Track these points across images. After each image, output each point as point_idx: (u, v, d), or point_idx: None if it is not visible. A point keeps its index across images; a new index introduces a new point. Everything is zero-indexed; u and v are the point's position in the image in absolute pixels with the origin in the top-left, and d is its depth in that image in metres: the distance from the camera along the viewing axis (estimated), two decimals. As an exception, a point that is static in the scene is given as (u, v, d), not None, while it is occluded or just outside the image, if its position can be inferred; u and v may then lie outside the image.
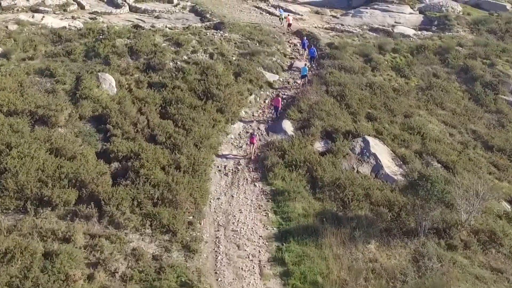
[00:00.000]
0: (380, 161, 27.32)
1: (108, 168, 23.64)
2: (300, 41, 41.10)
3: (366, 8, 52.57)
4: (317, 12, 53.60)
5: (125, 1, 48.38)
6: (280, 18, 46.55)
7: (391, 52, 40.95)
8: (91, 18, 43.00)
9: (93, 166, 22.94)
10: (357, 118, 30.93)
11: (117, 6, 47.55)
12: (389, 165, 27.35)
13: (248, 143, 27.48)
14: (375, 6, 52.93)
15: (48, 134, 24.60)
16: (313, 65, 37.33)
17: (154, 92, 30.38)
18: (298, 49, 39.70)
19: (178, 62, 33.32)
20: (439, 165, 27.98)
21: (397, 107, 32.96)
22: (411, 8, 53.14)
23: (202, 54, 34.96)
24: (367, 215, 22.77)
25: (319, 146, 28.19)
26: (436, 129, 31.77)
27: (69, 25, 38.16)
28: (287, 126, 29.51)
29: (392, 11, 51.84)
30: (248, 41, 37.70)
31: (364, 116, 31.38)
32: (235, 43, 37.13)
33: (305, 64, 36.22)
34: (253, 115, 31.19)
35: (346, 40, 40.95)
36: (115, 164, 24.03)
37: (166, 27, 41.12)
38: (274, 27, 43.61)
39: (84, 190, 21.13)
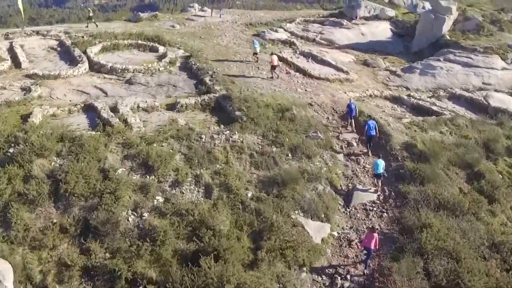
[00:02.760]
0: None
1: None
2: (356, 135, 25.69)
3: (439, 61, 37.14)
4: (366, 63, 38.45)
5: (85, 52, 33.08)
6: (254, 53, 34.23)
7: (504, 156, 25.62)
8: (23, 89, 28.24)
9: None
10: None
11: (73, 61, 32.58)
12: None
13: None
14: (451, 57, 37.51)
15: None
16: (370, 148, 24.47)
17: (90, 298, 15.19)
18: (356, 156, 24.19)
19: (145, 214, 18.16)
20: None
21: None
22: (503, 59, 37.55)
23: (192, 187, 19.86)
24: None
25: None
26: None
27: (-30, 116, 22.92)
28: None
29: (478, 66, 36.57)
30: (274, 149, 22.34)
31: None
32: (251, 155, 21.96)
33: (379, 156, 23.17)
34: None
35: (433, 137, 25.60)
36: None
37: (137, 107, 26.40)
38: (311, 104, 28.15)
39: None
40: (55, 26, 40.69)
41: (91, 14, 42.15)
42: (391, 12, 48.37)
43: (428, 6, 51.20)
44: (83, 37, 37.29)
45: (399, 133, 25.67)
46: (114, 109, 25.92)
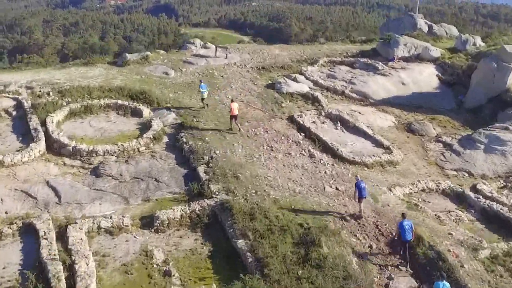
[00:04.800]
0: None
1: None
2: (414, 282, 17.62)
3: (507, 130, 29.45)
4: (410, 129, 31.03)
5: (45, 122, 25.47)
6: (202, 99, 29.79)
7: None
8: None
9: None
10: None
11: (27, 135, 25.06)
12: None
13: None
14: (523, 123, 29.10)
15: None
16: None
17: None
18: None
19: None
20: None
21: None
22: None
23: None
24: None
25: None
26: None
27: None
28: None
29: None
30: None
31: None
32: None
33: (441, 277, 16.17)
34: None
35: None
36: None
37: (98, 227, 19.41)
38: (345, 219, 20.09)
39: None
40: (18, 76, 32.83)
41: None
42: (435, 52, 40.17)
43: (479, 42, 42.93)
44: (48, 94, 29.64)
45: (479, 283, 17.48)
46: (63, 233, 18.21)
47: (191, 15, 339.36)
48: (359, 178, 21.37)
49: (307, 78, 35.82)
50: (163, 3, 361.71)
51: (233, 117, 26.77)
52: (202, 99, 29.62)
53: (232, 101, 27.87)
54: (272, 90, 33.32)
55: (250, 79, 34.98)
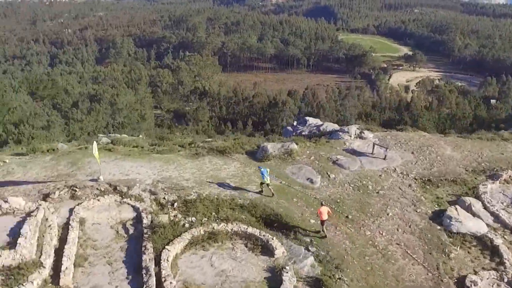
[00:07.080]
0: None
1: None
2: None
3: None
4: None
5: (159, 260, 22.07)
6: (261, 183, 28.09)
7: None
8: None
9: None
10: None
11: (137, 276, 21.99)
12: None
13: None
14: None
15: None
16: None
17: None
18: None
19: None
20: None
21: None
22: None
23: None
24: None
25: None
26: None
27: None
28: None
29: None
30: None
31: None
32: None
33: None
34: None
35: None
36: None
37: None
38: None
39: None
40: (145, 169, 30.03)
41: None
42: None
43: None
44: (173, 205, 26.30)
45: None
46: None
47: (349, 19, 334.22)
48: None
49: (485, 208, 28.66)
50: (323, 5, 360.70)
51: (322, 222, 24.88)
52: (262, 183, 27.93)
53: (322, 204, 25.69)
54: (438, 226, 26.82)
55: (412, 202, 28.72)
